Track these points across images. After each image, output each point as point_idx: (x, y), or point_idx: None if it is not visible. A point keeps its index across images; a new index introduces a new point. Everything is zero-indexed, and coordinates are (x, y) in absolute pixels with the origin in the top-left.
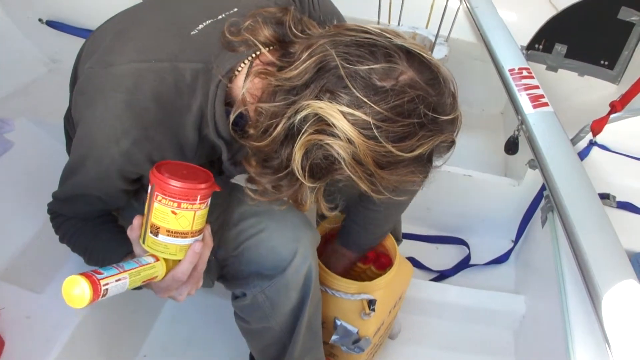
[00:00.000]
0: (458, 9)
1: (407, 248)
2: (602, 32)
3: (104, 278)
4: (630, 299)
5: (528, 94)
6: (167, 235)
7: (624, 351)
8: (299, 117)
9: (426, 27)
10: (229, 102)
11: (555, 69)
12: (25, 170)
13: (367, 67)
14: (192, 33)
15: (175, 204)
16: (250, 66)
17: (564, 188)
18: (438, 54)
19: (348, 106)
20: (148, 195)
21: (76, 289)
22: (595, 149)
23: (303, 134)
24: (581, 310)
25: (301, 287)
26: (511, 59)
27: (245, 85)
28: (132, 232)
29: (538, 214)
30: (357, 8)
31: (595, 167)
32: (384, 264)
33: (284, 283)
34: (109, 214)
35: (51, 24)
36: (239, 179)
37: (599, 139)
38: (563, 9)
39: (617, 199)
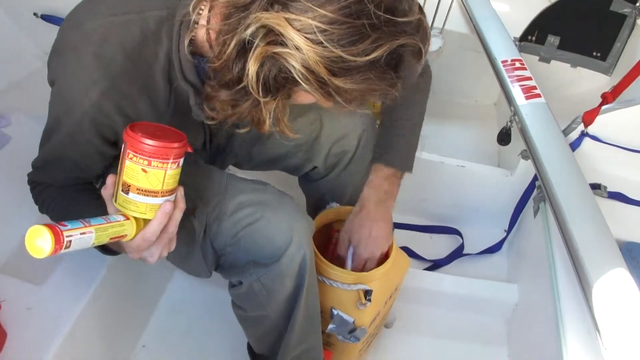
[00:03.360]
0: (452, 0)
1: (402, 238)
2: (594, 24)
3: (67, 230)
4: (620, 288)
5: (521, 85)
6: (138, 193)
7: (614, 339)
8: (249, 31)
9: None
10: (197, 52)
11: (548, 61)
12: (23, 164)
13: None
14: None
15: (146, 162)
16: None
17: (556, 178)
18: (432, 46)
19: (294, 13)
20: (121, 154)
21: (38, 239)
22: (586, 139)
23: (255, 47)
24: (572, 299)
25: (296, 275)
26: (504, 50)
27: (205, 19)
28: (105, 191)
29: (530, 203)
30: None
31: (587, 157)
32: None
33: (279, 271)
34: (88, 183)
35: (46, 18)
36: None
37: (591, 129)
38: (556, 1)
39: (608, 189)
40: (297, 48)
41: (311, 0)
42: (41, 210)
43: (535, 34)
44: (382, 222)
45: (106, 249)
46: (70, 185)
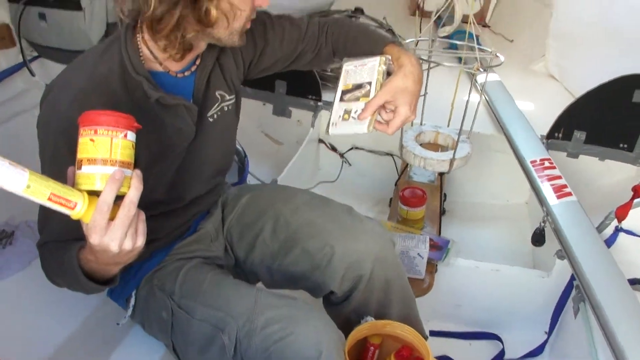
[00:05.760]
0: (478, 103)
1: (439, 346)
2: (619, 116)
3: None
4: None
5: (551, 185)
6: (88, 164)
7: None
8: None
9: (448, 125)
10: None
11: (576, 156)
12: None
13: None
14: None
15: (92, 131)
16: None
17: (594, 277)
18: (461, 152)
19: None
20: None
21: None
22: (621, 235)
23: None
24: None
25: None
26: (532, 150)
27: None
28: (68, 182)
29: (570, 304)
30: None
31: (624, 253)
32: None
33: None
34: None
35: None
36: None
37: (625, 224)
38: (579, 97)
39: None
40: None
41: None
42: (47, 273)
43: (561, 131)
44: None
45: (93, 278)
46: (71, 237)
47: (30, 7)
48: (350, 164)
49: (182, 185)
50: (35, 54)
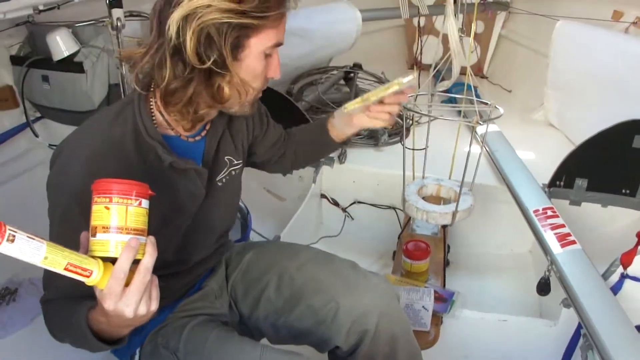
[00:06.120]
0: (479, 155)
1: None
2: (620, 162)
3: (13, 227)
4: None
5: (555, 234)
6: (103, 232)
7: None
8: (173, 33)
9: (449, 178)
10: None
11: (578, 203)
12: None
13: None
14: None
15: (107, 199)
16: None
17: (601, 325)
18: (464, 205)
19: None
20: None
21: None
22: (627, 281)
23: (184, 34)
24: None
25: None
26: (534, 199)
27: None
28: (81, 249)
29: (578, 352)
30: (384, 163)
31: (630, 299)
32: None
33: None
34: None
35: None
36: None
37: (630, 270)
38: (579, 144)
39: None
40: (206, 6)
41: None
42: (49, 329)
43: (563, 179)
44: None
45: (101, 337)
46: (77, 295)
47: (34, 69)
48: (352, 218)
49: (189, 247)
50: (38, 114)
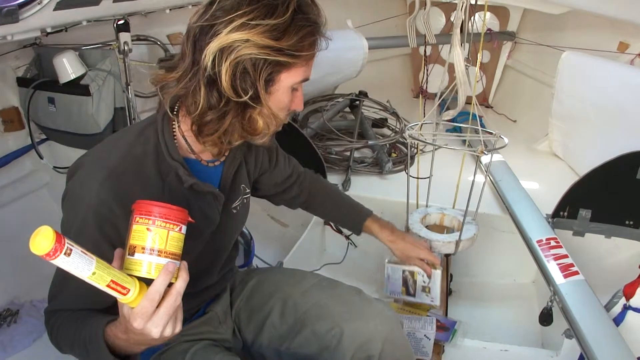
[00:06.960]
0: (483, 184)
1: None
2: (623, 193)
3: (71, 240)
4: None
5: (558, 264)
6: (142, 252)
7: None
8: (206, 63)
9: (453, 207)
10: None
11: (582, 234)
12: None
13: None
14: None
15: (150, 221)
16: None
17: (602, 357)
18: (467, 234)
19: (221, 25)
20: (129, 227)
21: (42, 236)
22: (630, 312)
23: (219, 67)
24: None
25: None
26: (538, 230)
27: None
28: (115, 263)
29: None
30: (388, 190)
31: (632, 331)
32: None
33: None
34: (101, 311)
35: None
36: None
37: (633, 302)
38: (583, 175)
39: None
40: (244, 41)
41: (224, 12)
42: (53, 339)
43: (567, 210)
44: None
45: (113, 352)
46: (83, 308)
47: (40, 91)
48: (355, 246)
49: (199, 272)
50: (43, 136)
